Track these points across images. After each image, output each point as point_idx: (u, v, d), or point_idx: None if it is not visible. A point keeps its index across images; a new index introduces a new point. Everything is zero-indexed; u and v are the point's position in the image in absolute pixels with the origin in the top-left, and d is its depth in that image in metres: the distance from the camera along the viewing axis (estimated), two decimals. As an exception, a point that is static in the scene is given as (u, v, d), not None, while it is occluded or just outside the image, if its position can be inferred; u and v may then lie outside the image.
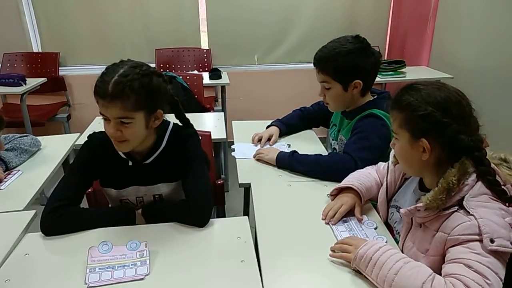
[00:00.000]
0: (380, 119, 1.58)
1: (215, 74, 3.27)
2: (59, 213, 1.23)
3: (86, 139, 1.40)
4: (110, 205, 1.51)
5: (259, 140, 1.87)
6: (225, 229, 1.27)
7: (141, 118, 1.24)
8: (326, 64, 1.61)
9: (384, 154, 1.53)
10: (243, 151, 1.79)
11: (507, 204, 1.00)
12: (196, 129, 1.49)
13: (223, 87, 3.24)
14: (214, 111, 3.13)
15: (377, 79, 3.06)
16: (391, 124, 1.52)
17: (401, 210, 1.10)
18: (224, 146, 2.50)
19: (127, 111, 1.19)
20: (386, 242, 1.15)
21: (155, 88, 1.24)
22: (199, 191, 1.30)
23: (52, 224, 1.23)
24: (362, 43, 1.60)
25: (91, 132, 1.41)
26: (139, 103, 1.20)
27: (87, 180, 1.38)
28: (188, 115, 1.52)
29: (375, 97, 1.69)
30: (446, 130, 1.01)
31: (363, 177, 1.38)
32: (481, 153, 1.02)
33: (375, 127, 1.57)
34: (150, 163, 1.36)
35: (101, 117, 1.23)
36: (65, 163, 1.87)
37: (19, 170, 1.65)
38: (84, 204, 1.68)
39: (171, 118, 1.43)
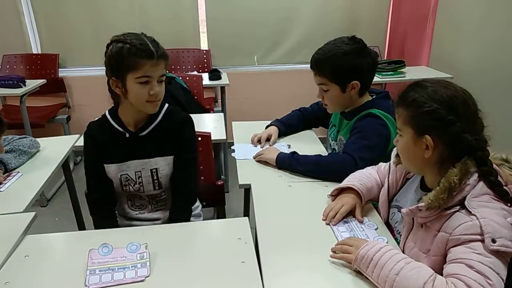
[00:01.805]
0: (379, 119, 1.58)
1: (215, 75, 3.26)
2: (97, 206, 1.53)
3: (85, 129, 1.52)
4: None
5: (259, 140, 1.87)
6: (226, 230, 1.26)
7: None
8: (323, 66, 1.61)
9: (383, 153, 1.53)
10: (243, 152, 1.78)
11: (509, 204, 1.00)
12: (196, 130, 1.52)
13: (222, 88, 3.24)
14: (214, 112, 3.13)
15: (377, 79, 3.12)
16: (391, 124, 1.54)
17: (403, 210, 1.09)
18: (224, 147, 2.50)
19: (166, 68, 1.39)
20: (387, 242, 1.14)
21: None
22: (191, 183, 1.52)
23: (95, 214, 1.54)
24: (358, 44, 1.60)
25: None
26: (168, 63, 1.41)
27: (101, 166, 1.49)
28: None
29: (374, 97, 1.69)
30: (450, 128, 1.01)
31: (363, 178, 1.38)
32: (484, 153, 1.02)
33: (374, 126, 1.57)
34: (145, 136, 1.46)
35: (138, 81, 1.32)
36: (64, 164, 1.87)
37: (18, 172, 1.64)
38: (85, 205, 1.68)
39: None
